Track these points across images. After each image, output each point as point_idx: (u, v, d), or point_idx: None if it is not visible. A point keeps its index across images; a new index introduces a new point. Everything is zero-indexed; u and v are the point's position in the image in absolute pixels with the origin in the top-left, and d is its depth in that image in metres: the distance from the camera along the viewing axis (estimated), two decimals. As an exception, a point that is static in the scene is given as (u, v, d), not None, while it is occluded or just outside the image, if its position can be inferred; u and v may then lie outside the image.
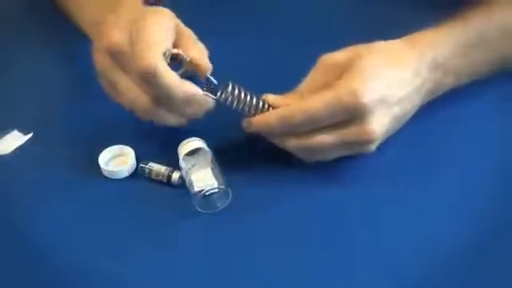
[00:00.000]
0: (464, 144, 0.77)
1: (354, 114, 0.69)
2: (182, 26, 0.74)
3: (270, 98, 0.73)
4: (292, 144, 0.72)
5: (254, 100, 0.73)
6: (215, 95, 0.72)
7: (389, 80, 0.71)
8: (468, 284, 0.66)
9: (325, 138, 0.70)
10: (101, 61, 0.73)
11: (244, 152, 0.76)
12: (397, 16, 0.86)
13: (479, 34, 0.77)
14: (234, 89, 0.72)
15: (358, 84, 0.68)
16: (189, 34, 0.74)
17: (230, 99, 0.72)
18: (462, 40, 0.76)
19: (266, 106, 0.73)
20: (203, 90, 0.71)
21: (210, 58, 0.73)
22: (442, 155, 0.76)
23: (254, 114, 0.73)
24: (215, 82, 0.72)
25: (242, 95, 0.72)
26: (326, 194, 0.72)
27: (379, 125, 0.70)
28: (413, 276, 0.66)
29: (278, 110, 0.72)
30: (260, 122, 0.72)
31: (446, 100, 0.78)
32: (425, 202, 0.72)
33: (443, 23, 0.77)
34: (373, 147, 0.71)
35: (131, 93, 0.71)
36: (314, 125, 0.70)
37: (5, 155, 0.78)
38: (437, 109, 0.77)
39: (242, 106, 0.72)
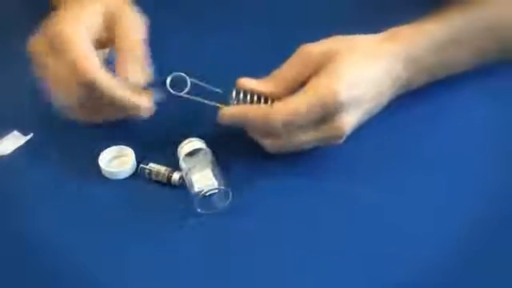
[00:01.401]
0: (452, 137, 0.78)
1: (329, 112, 0.70)
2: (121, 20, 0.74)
3: (243, 81, 0.73)
4: (269, 143, 0.73)
5: (262, 99, 0.73)
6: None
7: (365, 79, 0.72)
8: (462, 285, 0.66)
9: (302, 137, 0.72)
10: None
11: (244, 152, 0.76)
12: (391, 14, 0.86)
13: (455, 32, 0.77)
14: (238, 93, 0.73)
15: (336, 84, 0.70)
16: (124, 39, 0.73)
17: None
18: (437, 37, 0.77)
19: (269, 101, 0.73)
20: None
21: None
22: (431, 150, 0.76)
23: None
24: (204, 85, 0.73)
25: (248, 97, 0.73)
26: (327, 195, 0.73)
27: (350, 121, 0.71)
28: (402, 275, 0.66)
29: (261, 109, 0.72)
30: (235, 114, 0.73)
31: (432, 92, 0.79)
32: (415, 198, 0.72)
33: (421, 20, 0.78)
34: (342, 140, 0.73)
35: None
36: (294, 127, 0.71)
37: (5, 155, 0.78)
38: (423, 101, 0.78)
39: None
